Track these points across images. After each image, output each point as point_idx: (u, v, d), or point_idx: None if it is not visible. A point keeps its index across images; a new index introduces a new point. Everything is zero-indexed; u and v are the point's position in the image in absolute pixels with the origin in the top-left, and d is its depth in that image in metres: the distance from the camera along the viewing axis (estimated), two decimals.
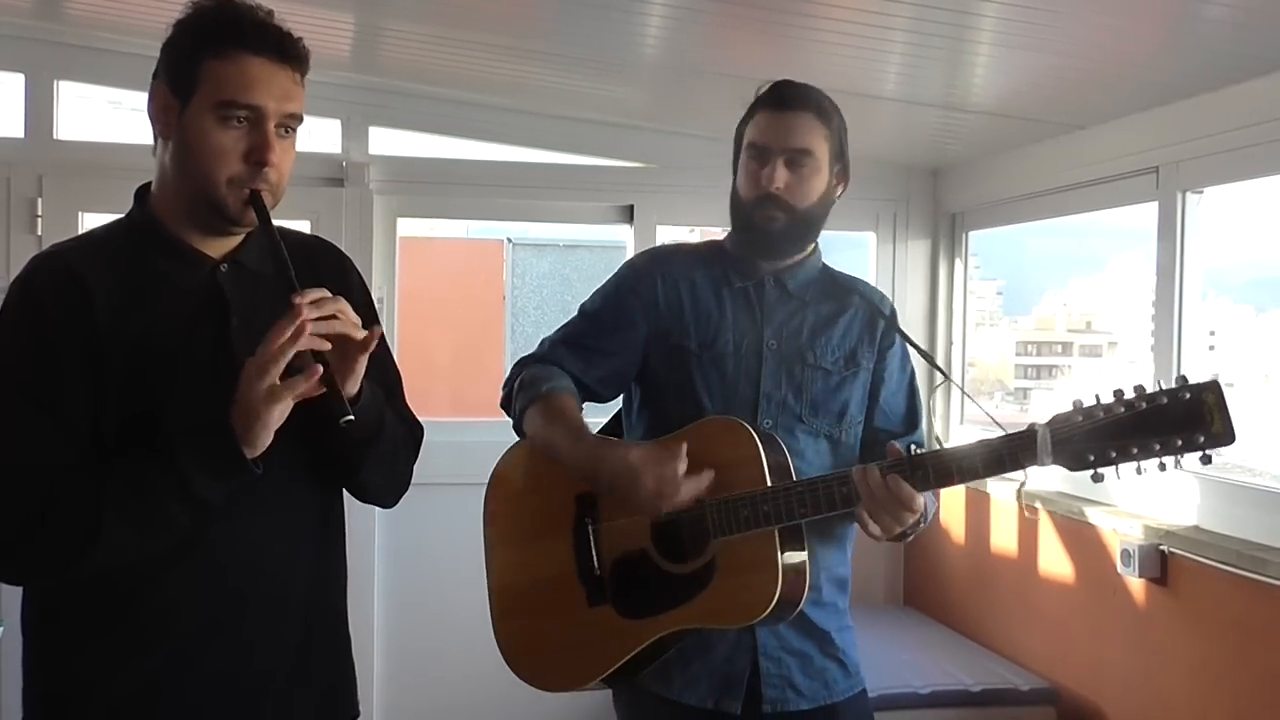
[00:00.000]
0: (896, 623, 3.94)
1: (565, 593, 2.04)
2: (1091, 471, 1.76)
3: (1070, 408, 1.77)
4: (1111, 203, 3.30)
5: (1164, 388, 1.71)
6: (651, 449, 1.91)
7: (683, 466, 1.88)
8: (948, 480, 1.88)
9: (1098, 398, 1.76)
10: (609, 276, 2.22)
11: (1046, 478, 3.27)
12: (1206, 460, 1.70)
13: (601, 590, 2.02)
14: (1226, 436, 1.68)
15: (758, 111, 2.08)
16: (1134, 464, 1.73)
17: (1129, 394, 1.73)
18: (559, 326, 2.21)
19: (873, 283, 2.31)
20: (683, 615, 1.96)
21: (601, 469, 1.92)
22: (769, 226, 2.05)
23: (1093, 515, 3.11)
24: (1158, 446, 1.70)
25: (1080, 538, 3.24)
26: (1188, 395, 1.69)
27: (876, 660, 3.30)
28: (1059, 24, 2.47)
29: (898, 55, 2.95)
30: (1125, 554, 2.95)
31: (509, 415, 2.13)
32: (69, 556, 1.51)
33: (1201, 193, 2.94)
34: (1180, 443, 1.69)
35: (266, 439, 1.50)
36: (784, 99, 2.06)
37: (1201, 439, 1.68)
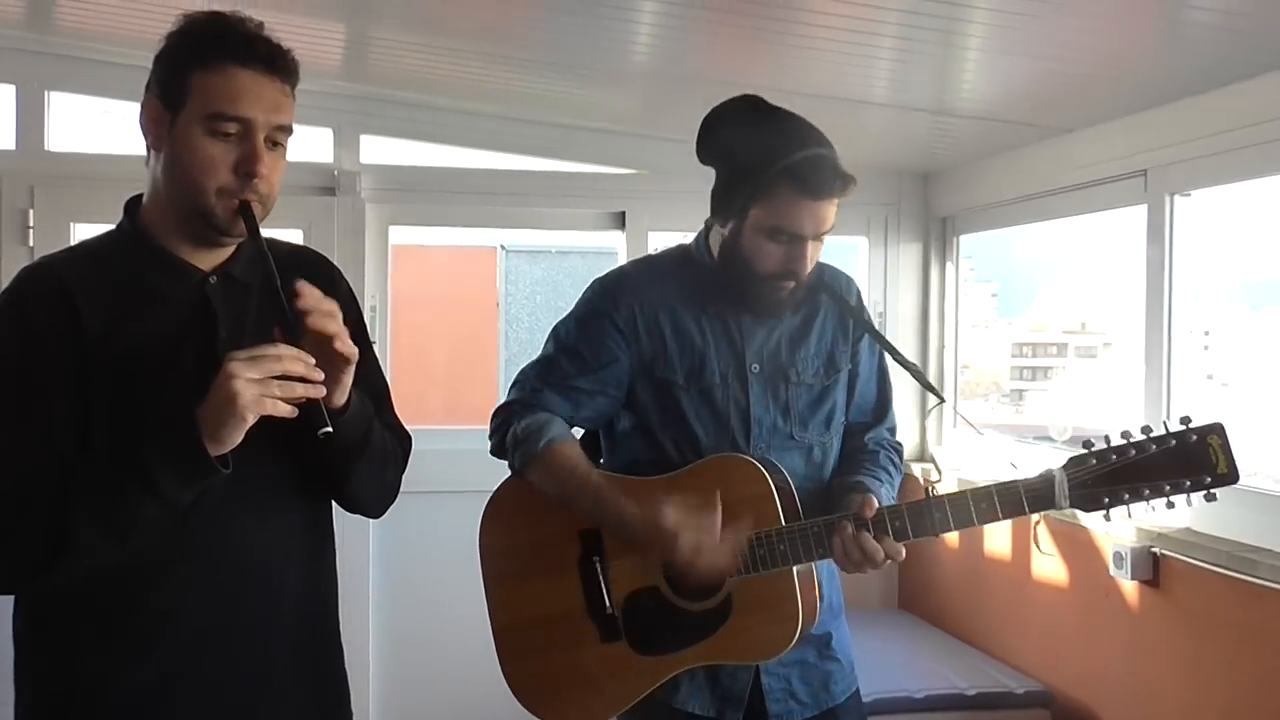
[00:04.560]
0: (891, 627, 3.94)
1: (575, 630, 2.03)
2: (1103, 512, 1.84)
3: (1083, 450, 1.84)
4: (1100, 206, 3.31)
5: (1171, 430, 1.80)
6: (685, 508, 1.90)
7: (719, 522, 1.89)
8: (966, 524, 1.90)
9: (1107, 440, 1.83)
10: (580, 300, 2.13)
11: None
12: (1211, 498, 1.79)
13: (615, 628, 2.02)
14: (1231, 477, 1.79)
15: (786, 191, 1.90)
16: (1144, 504, 1.81)
17: (1137, 436, 1.81)
18: (536, 360, 2.13)
19: (865, 288, 2.30)
20: (702, 652, 1.98)
21: (638, 533, 1.93)
22: (781, 295, 2.01)
23: (1085, 518, 3.11)
24: (1167, 487, 1.79)
25: (1073, 540, 3.25)
26: (1194, 438, 1.78)
27: (871, 664, 3.30)
28: (1045, 29, 2.48)
29: (887, 61, 2.96)
30: (1118, 556, 2.96)
31: (502, 459, 2.10)
32: (43, 561, 1.51)
33: (1190, 195, 2.95)
34: (1189, 483, 1.78)
35: (236, 437, 1.49)
36: (826, 187, 1.90)
37: (1208, 479, 1.78)
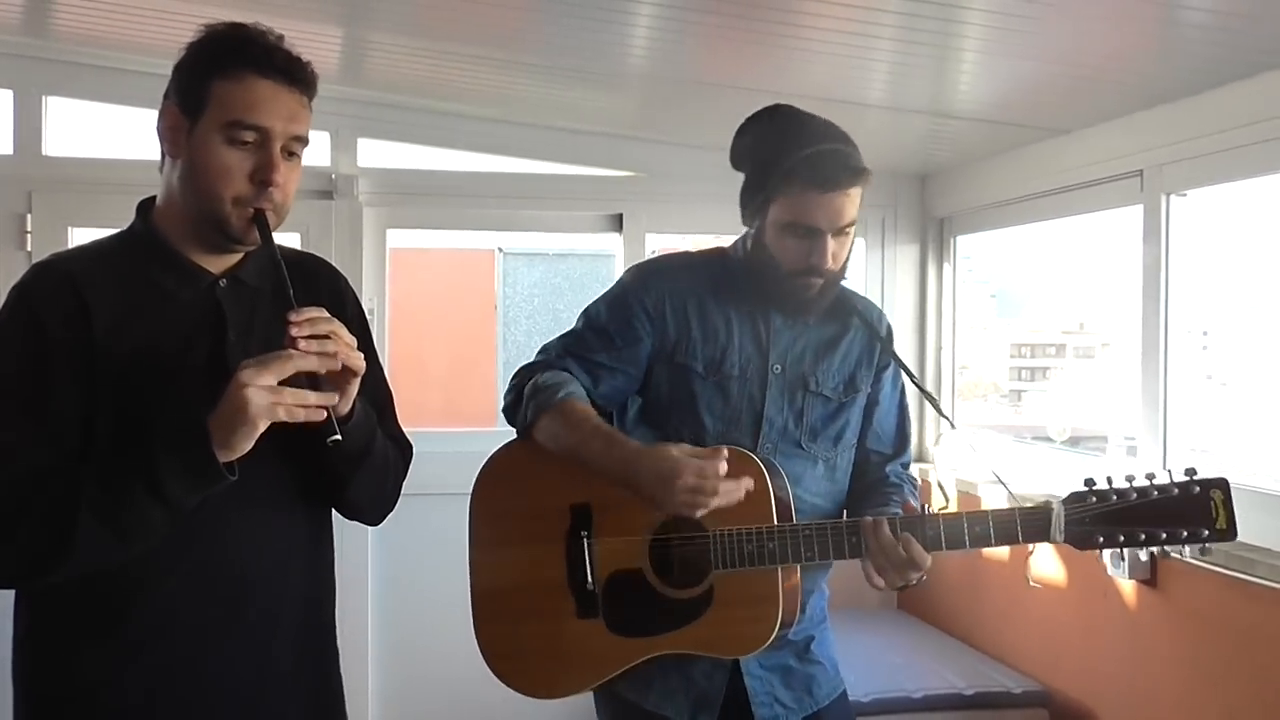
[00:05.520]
0: (889, 627, 3.94)
1: (553, 601, 2.04)
2: (1095, 551, 1.85)
3: (1084, 487, 1.84)
4: (1097, 206, 3.32)
5: (1175, 479, 1.79)
6: (694, 450, 1.87)
7: (724, 468, 1.83)
8: (959, 546, 1.91)
9: (1110, 480, 1.84)
10: (614, 284, 2.18)
11: (1039, 483, 3.28)
12: (1205, 551, 1.80)
13: (593, 604, 2.02)
14: (1229, 534, 1.79)
15: (797, 186, 1.94)
16: (1138, 549, 1.84)
17: (1140, 481, 1.82)
18: (562, 334, 2.14)
19: (862, 289, 2.32)
20: (677, 640, 1.98)
21: (641, 465, 1.86)
22: (808, 294, 2.03)
23: None
24: (1163, 536, 1.79)
25: None
26: (1197, 490, 1.78)
27: (869, 664, 3.31)
28: (1042, 30, 2.49)
29: (884, 63, 2.97)
30: (1115, 556, 2.96)
31: (512, 422, 2.09)
32: (47, 558, 1.51)
33: (1185, 195, 2.96)
34: (1185, 534, 1.79)
35: (247, 445, 1.50)
36: (833, 179, 1.93)
37: (1205, 534, 1.78)
